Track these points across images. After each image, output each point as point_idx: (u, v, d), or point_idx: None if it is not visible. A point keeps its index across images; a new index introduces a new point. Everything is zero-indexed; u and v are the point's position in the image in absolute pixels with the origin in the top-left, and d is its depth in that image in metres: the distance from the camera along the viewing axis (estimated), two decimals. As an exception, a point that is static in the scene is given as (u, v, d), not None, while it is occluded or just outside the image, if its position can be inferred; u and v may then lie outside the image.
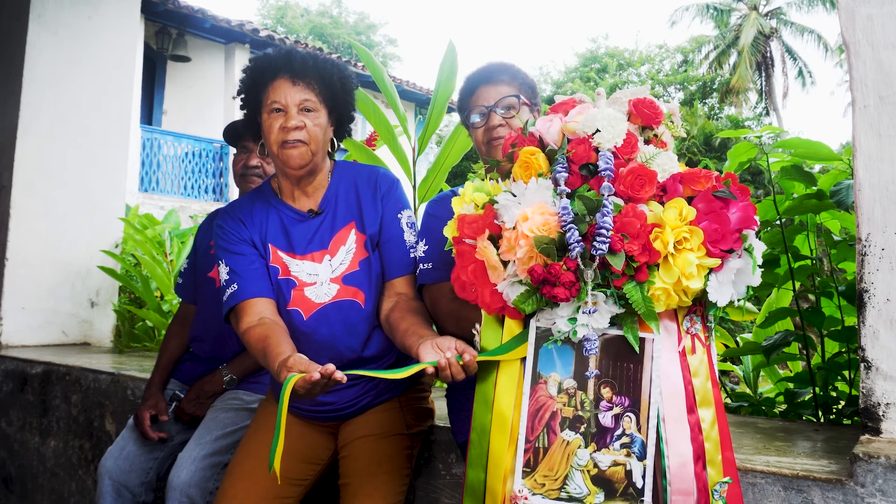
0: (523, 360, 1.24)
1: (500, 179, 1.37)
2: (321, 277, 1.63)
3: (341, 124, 1.71)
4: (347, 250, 1.65)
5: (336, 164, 1.75)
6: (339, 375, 1.24)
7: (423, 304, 1.62)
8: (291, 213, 1.68)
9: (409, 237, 1.68)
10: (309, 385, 1.23)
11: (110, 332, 3.85)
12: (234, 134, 2.25)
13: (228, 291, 1.61)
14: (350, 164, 1.76)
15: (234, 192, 10.78)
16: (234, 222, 1.68)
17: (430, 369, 1.25)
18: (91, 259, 3.74)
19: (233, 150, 2.30)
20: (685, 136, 1.35)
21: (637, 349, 1.17)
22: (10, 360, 3.18)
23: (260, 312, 1.57)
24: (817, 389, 2.12)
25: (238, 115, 1.80)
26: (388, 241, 1.66)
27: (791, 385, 2.27)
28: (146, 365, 2.90)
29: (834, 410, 2.08)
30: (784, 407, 2.26)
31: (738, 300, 1.23)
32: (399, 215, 1.68)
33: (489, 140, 1.66)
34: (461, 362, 1.25)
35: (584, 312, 1.16)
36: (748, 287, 1.22)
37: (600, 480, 1.17)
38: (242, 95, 1.66)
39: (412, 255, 1.66)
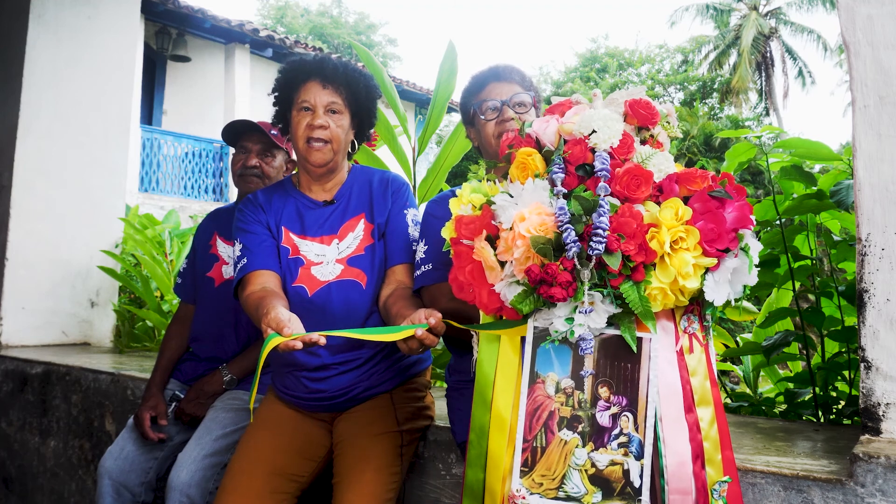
0: (521, 359, 1.24)
1: (497, 180, 1.37)
2: (328, 258, 1.74)
3: (362, 129, 1.85)
4: (355, 236, 1.76)
5: (353, 166, 1.88)
6: (322, 341, 1.31)
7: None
8: (307, 201, 1.81)
9: (413, 231, 1.77)
10: (290, 349, 1.31)
11: (110, 332, 3.85)
12: (233, 134, 2.25)
13: (238, 265, 1.73)
14: (366, 168, 1.90)
15: (234, 193, 10.79)
16: (254, 206, 1.81)
17: (404, 344, 1.33)
18: (91, 259, 3.74)
19: (232, 150, 2.30)
20: (681, 136, 1.36)
21: (634, 349, 1.17)
22: (10, 360, 3.18)
23: (263, 283, 1.68)
24: (817, 389, 2.12)
25: (239, 115, 1.83)
26: (392, 230, 1.76)
27: (791, 385, 2.27)
28: (146, 365, 2.90)
29: (834, 410, 2.08)
30: (784, 407, 2.26)
31: (736, 299, 1.23)
32: (405, 211, 1.80)
33: (501, 133, 1.65)
34: (427, 327, 1.31)
35: (580, 312, 1.16)
36: (745, 286, 1.22)
37: (598, 480, 1.17)
38: (276, 94, 1.79)
39: (414, 248, 1.73)
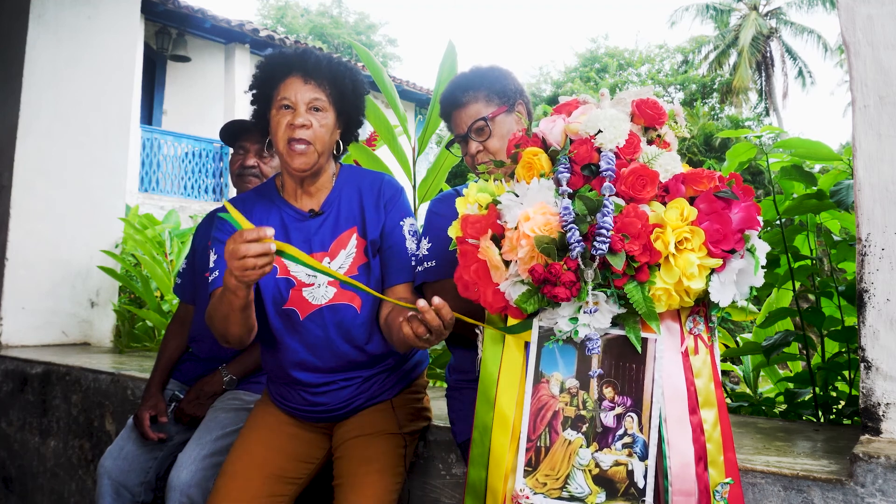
0: (525, 358, 1.24)
1: (504, 180, 1.38)
2: (319, 279, 1.63)
3: (349, 128, 1.71)
4: (347, 254, 1.65)
5: (342, 167, 1.75)
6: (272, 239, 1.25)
7: None
8: (292, 212, 1.68)
9: (411, 245, 1.67)
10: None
11: (110, 332, 3.85)
12: (230, 134, 2.25)
13: (211, 277, 1.63)
14: (355, 169, 1.76)
15: (233, 193, 10.77)
16: None
17: (408, 327, 1.27)
18: (91, 259, 3.74)
19: (232, 150, 2.31)
20: (689, 135, 1.36)
21: (639, 349, 1.17)
22: (10, 360, 3.18)
23: None
24: (817, 389, 2.12)
25: (238, 115, 1.81)
26: (389, 248, 1.66)
27: (791, 385, 2.27)
28: (146, 365, 2.90)
29: (834, 410, 2.08)
30: (784, 407, 2.26)
31: (741, 300, 1.23)
32: (401, 223, 1.68)
33: (474, 166, 1.69)
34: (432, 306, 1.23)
35: (584, 312, 1.16)
36: (751, 287, 1.22)
37: (602, 480, 1.17)
38: (254, 91, 1.66)
39: (413, 263, 1.66)
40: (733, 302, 1.20)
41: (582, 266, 1.15)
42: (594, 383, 1.20)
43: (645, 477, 1.15)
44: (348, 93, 1.64)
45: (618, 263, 1.13)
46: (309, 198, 1.68)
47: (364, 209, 1.67)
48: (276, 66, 1.61)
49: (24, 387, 3.07)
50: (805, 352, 2.14)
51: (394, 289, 1.64)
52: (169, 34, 10.72)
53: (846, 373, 2.07)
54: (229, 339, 1.51)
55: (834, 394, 2.17)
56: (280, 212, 1.68)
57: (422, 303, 1.23)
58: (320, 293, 1.62)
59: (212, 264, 1.64)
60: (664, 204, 1.19)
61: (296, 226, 1.66)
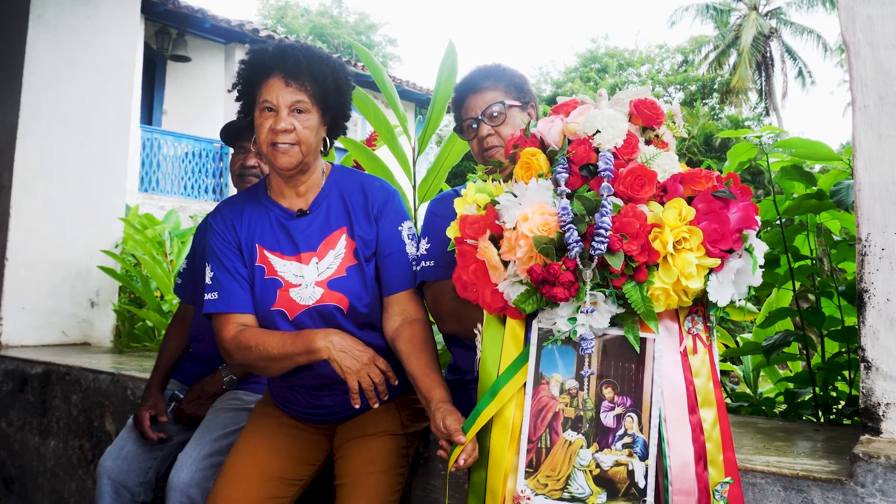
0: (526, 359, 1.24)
1: (502, 180, 1.38)
2: (306, 280, 1.61)
3: (335, 124, 1.68)
4: (336, 255, 1.62)
5: (333, 168, 1.73)
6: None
7: (427, 330, 1.60)
8: (280, 211, 1.66)
9: (411, 249, 1.65)
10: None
11: (110, 332, 3.85)
12: (231, 134, 2.25)
13: (208, 296, 1.62)
14: (347, 171, 1.74)
15: (233, 193, 10.76)
16: (225, 225, 1.67)
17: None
18: (91, 259, 3.74)
19: (232, 150, 2.31)
20: (686, 136, 1.36)
21: (638, 349, 1.17)
22: (10, 360, 3.18)
23: (243, 323, 1.61)
24: (817, 389, 2.12)
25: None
26: (389, 255, 1.63)
27: (791, 385, 2.27)
28: (146, 365, 2.90)
29: (834, 410, 2.08)
30: (784, 407, 2.26)
31: (739, 300, 1.23)
32: (399, 228, 1.65)
33: (482, 150, 1.69)
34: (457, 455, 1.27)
35: (583, 312, 1.16)
36: (749, 287, 1.22)
37: (603, 481, 1.17)
38: (238, 89, 1.64)
39: (414, 269, 1.64)
40: (731, 301, 1.20)
41: (580, 266, 1.15)
42: (592, 383, 1.20)
43: (646, 477, 1.15)
44: (331, 90, 1.60)
45: (616, 263, 1.13)
46: (297, 197, 1.67)
47: (350, 211, 1.65)
48: (256, 67, 1.58)
49: (24, 387, 3.07)
50: (805, 352, 2.14)
51: (397, 296, 1.62)
52: (169, 34, 10.72)
53: (846, 373, 2.07)
54: (259, 373, 1.58)
55: (834, 394, 2.17)
56: (268, 212, 1.67)
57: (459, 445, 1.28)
58: (307, 293, 1.60)
59: (209, 280, 1.63)
60: (662, 204, 1.19)
61: (284, 226, 1.65)
